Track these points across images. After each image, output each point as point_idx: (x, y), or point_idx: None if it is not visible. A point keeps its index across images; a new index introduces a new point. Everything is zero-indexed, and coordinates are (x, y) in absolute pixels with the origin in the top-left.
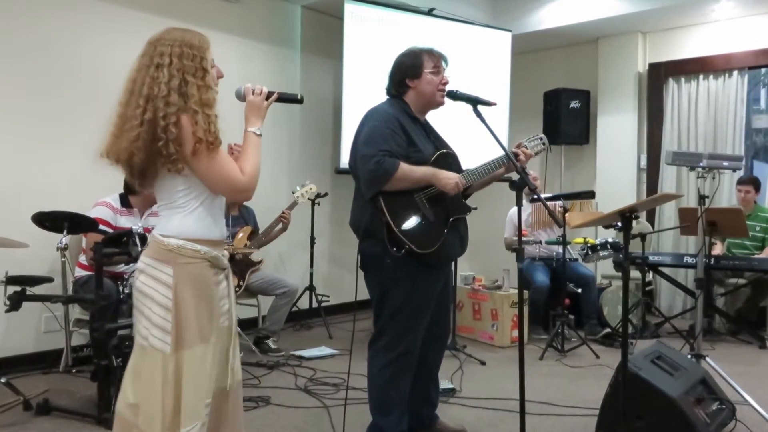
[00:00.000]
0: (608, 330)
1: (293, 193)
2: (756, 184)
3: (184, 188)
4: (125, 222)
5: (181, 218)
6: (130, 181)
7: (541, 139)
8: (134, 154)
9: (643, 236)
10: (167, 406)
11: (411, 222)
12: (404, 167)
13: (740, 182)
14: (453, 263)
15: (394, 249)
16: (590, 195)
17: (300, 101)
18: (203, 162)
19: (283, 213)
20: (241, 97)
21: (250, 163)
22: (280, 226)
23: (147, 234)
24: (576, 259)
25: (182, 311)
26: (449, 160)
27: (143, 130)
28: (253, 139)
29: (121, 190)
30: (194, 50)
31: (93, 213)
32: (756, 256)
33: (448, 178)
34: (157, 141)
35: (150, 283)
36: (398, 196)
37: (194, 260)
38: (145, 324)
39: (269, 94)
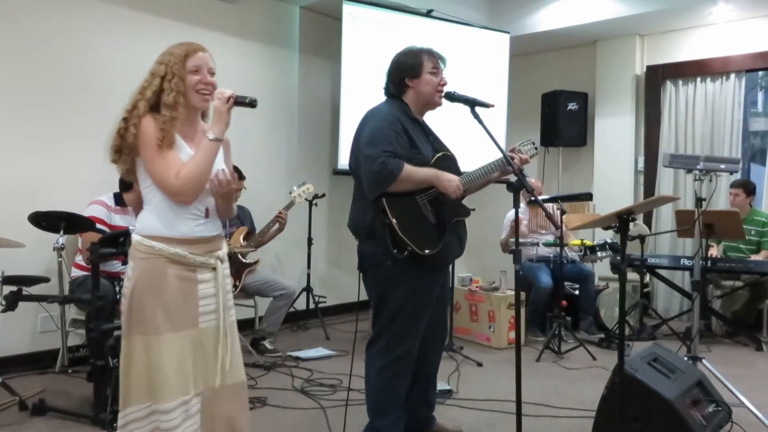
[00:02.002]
0: (601, 336)
1: (290, 193)
2: (747, 187)
3: (148, 185)
4: (120, 220)
5: (145, 215)
6: (125, 177)
7: (533, 144)
8: (117, 152)
9: (642, 238)
10: (122, 385)
11: (412, 226)
12: (408, 168)
13: (731, 185)
14: (451, 265)
15: (396, 251)
16: (588, 197)
17: (252, 105)
18: (145, 160)
19: (279, 213)
20: None
21: (188, 167)
22: (276, 226)
23: None
24: (574, 261)
25: (134, 302)
26: (448, 163)
27: (122, 126)
28: (204, 144)
29: (116, 189)
30: (172, 57)
31: (88, 212)
32: (752, 258)
33: (449, 181)
34: (124, 137)
35: (125, 277)
36: (400, 198)
37: (149, 256)
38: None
39: (229, 99)
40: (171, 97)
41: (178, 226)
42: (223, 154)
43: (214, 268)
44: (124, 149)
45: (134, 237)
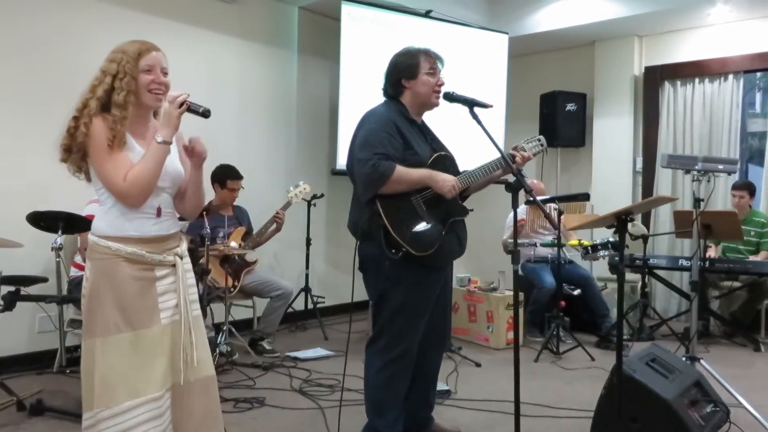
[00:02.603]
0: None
1: (287, 193)
2: (750, 188)
3: (100, 186)
4: None
5: (99, 216)
6: (75, 176)
7: (539, 140)
8: (67, 150)
9: (645, 238)
10: (84, 387)
11: (421, 226)
12: (400, 170)
13: (735, 187)
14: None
15: (392, 251)
16: (585, 197)
17: (204, 115)
18: (94, 162)
19: (277, 213)
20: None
21: (136, 170)
22: (274, 226)
23: None
24: (571, 262)
25: (92, 302)
26: (446, 163)
27: (72, 125)
28: (152, 147)
29: None
30: (125, 55)
31: (86, 211)
32: (751, 258)
33: (444, 181)
34: (74, 136)
35: (84, 278)
36: (395, 199)
37: (105, 256)
38: None
39: (182, 104)
40: (121, 96)
41: (133, 226)
42: (178, 152)
43: (173, 265)
44: (74, 148)
45: (91, 238)
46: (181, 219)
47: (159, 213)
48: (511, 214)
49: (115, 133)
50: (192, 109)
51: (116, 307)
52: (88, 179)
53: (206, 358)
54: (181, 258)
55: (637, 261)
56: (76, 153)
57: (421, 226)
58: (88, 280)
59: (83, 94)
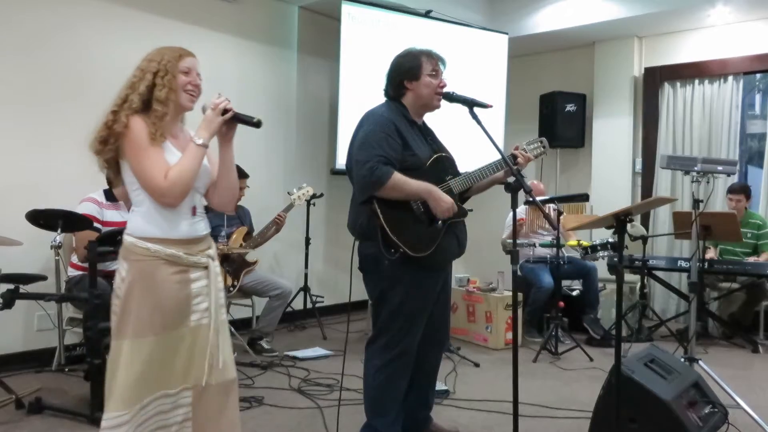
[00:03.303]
0: (597, 336)
1: (290, 195)
2: (746, 191)
3: (136, 187)
4: (112, 215)
5: (135, 216)
6: (106, 175)
7: (541, 142)
8: (103, 143)
9: (644, 239)
10: (108, 387)
11: (404, 228)
12: (397, 178)
13: (731, 191)
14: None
15: (390, 251)
16: (584, 198)
17: (256, 125)
18: (132, 160)
19: (278, 215)
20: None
21: (176, 168)
22: (274, 228)
23: None
24: (571, 261)
25: (128, 304)
26: (446, 164)
27: (110, 118)
28: (192, 148)
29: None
30: (166, 56)
31: (79, 209)
32: (751, 260)
33: (442, 201)
34: (112, 128)
35: (117, 278)
36: (393, 200)
37: (144, 258)
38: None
39: (225, 111)
40: (164, 93)
41: (170, 226)
42: (208, 159)
43: (206, 267)
44: (110, 140)
45: (127, 239)
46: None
47: (194, 212)
48: (511, 214)
49: (157, 128)
50: (242, 119)
51: (152, 309)
52: (114, 176)
53: (231, 361)
54: (213, 260)
55: (637, 262)
56: (111, 145)
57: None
58: (124, 281)
59: (121, 90)
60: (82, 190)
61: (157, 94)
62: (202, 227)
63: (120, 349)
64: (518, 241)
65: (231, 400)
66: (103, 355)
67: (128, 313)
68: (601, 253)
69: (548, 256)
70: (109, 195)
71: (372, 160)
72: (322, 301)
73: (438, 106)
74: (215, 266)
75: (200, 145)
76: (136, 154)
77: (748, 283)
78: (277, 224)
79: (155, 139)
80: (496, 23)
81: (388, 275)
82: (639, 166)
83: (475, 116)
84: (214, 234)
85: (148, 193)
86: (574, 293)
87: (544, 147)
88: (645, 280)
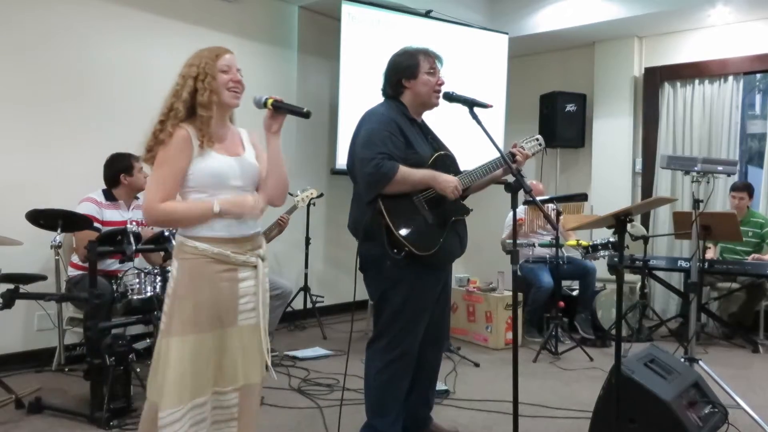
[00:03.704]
0: (588, 336)
1: (293, 196)
2: (750, 190)
3: (187, 188)
4: (111, 215)
5: None
6: None
7: (537, 139)
8: (149, 151)
9: (645, 239)
10: (157, 383)
11: (409, 226)
12: (403, 170)
13: (734, 188)
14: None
15: (394, 251)
16: (583, 198)
17: (306, 115)
18: (154, 164)
19: (281, 217)
20: (258, 105)
21: (173, 207)
22: (277, 229)
23: (140, 230)
24: (571, 262)
25: (177, 302)
26: (447, 162)
27: (158, 128)
28: (202, 207)
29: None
30: (203, 58)
31: (78, 210)
32: (749, 259)
33: (447, 182)
34: (158, 138)
35: (169, 277)
36: (397, 199)
37: (193, 256)
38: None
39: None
40: (205, 96)
41: (220, 225)
42: (257, 158)
43: (255, 266)
44: (156, 149)
45: (178, 238)
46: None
47: None
48: (511, 214)
49: (204, 134)
50: (291, 110)
51: (201, 307)
52: None
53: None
54: (263, 260)
55: (637, 262)
56: (150, 155)
57: (408, 227)
58: (174, 279)
59: (167, 99)
60: (82, 190)
61: (199, 99)
62: (251, 226)
63: (168, 346)
64: (518, 241)
65: (255, 401)
66: (103, 354)
67: (177, 311)
68: (602, 253)
69: (548, 256)
70: (109, 195)
71: (377, 158)
72: (322, 301)
73: (436, 104)
74: (264, 266)
75: (214, 213)
76: (157, 164)
77: (748, 283)
78: (279, 226)
79: (202, 146)
80: (497, 23)
81: (389, 275)
82: (639, 166)
83: (475, 116)
84: None
85: (145, 200)
86: (575, 293)
87: (541, 144)
88: (645, 280)
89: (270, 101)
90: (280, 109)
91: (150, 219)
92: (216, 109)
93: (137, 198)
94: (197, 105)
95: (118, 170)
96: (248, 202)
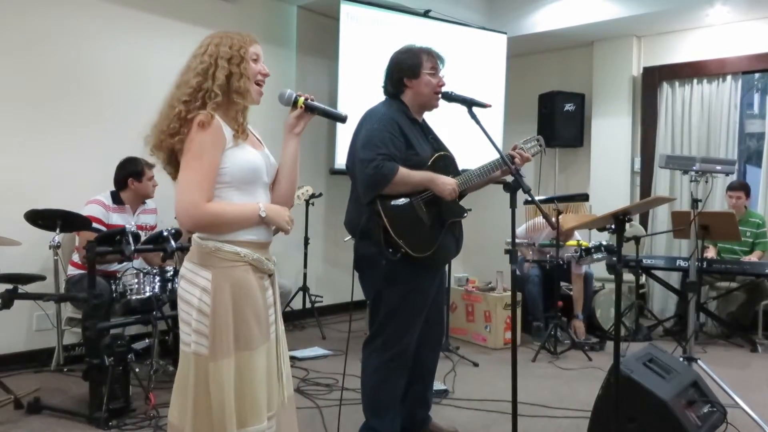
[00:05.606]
0: (593, 340)
1: None
2: (746, 189)
3: (217, 185)
4: (118, 219)
5: None
6: (168, 171)
7: (537, 140)
8: (162, 139)
9: (636, 239)
10: (200, 410)
11: (406, 228)
12: (403, 172)
13: (731, 188)
14: (447, 264)
15: (390, 251)
16: (584, 198)
17: (343, 120)
18: (184, 159)
19: None
20: (286, 101)
21: (222, 208)
22: (274, 228)
23: (140, 232)
24: (569, 263)
25: (222, 317)
26: (447, 162)
27: (182, 109)
28: (250, 210)
29: (112, 188)
30: (236, 41)
31: (85, 211)
32: (746, 259)
33: (445, 184)
34: (182, 127)
35: (188, 288)
36: (395, 200)
37: (234, 263)
38: (187, 330)
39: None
40: (243, 83)
41: (257, 229)
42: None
43: (271, 275)
44: (183, 131)
45: (207, 243)
46: None
47: None
48: (524, 225)
49: (239, 126)
50: (330, 114)
51: (250, 321)
52: (175, 177)
53: (288, 373)
54: (275, 266)
55: (631, 263)
56: (176, 138)
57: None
58: (207, 292)
59: (185, 77)
60: (80, 190)
61: (236, 85)
62: (270, 230)
63: (221, 370)
64: (517, 241)
65: (294, 413)
66: (102, 354)
67: (226, 329)
68: (595, 256)
69: (547, 256)
70: (116, 197)
71: (377, 159)
72: (321, 301)
73: (436, 106)
74: (275, 274)
75: (260, 217)
76: (194, 155)
77: (746, 283)
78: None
79: (237, 138)
80: (495, 23)
81: (384, 275)
82: (638, 166)
83: (473, 116)
84: None
85: (176, 204)
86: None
87: (541, 146)
88: (640, 280)
89: (301, 100)
90: (313, 110)
91: (190, 222)
92: (248, 101)
93: (144, 203)
94: (233, 92)
95: (128, 173)
96: (285, 215)
